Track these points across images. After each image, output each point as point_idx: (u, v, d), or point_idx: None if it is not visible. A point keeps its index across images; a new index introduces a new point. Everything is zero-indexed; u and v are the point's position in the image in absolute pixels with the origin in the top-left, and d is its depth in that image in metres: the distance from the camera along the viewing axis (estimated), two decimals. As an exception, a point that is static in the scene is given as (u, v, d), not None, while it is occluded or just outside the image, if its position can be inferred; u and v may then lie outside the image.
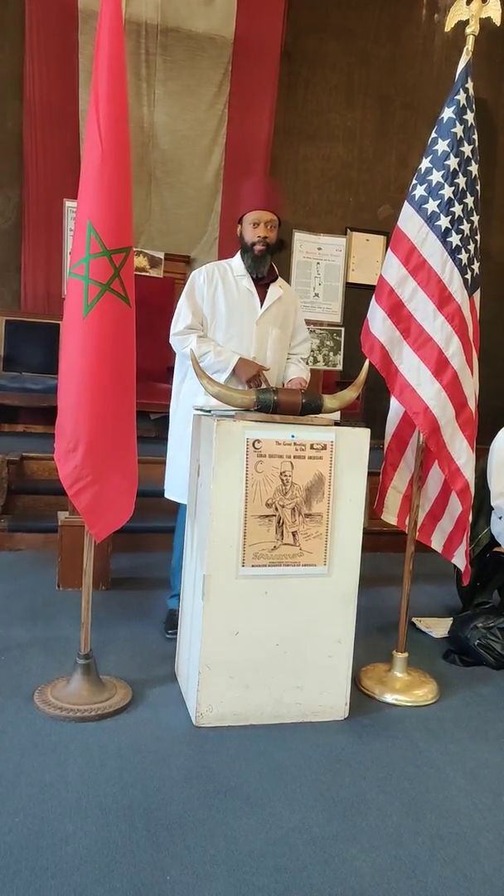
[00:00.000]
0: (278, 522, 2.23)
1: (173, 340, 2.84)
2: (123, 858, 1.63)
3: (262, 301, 2.89)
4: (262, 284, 2.90)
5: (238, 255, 2.92)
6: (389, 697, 2.53)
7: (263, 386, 2.73)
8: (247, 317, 2.86)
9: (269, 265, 2.89)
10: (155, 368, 5.25)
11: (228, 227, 6.03)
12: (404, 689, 2.56)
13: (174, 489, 2.91)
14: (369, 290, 2.67)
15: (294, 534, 2.25)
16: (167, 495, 2.96)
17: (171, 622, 2.88)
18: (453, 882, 1.64)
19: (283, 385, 2.90)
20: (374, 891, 1.60)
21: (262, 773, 2.01)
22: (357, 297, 5.52)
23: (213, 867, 1.62)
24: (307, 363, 3.09)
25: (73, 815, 1.76)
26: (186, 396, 2.88)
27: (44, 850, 1.63)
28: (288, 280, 5.29)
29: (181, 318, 2.84)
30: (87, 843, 1.67)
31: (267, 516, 2.22)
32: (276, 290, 2.93)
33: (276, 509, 2.22)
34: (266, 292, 2.90)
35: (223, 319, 2.85)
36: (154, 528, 3.92)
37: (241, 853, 1.68)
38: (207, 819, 1.79)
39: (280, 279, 2.99)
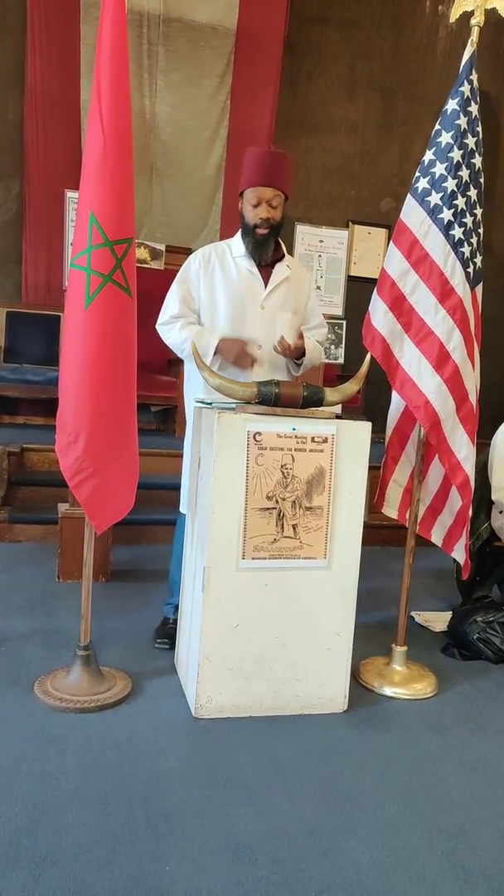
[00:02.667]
0: (279, 515, 2.23)
1: (159, 330, 2.63)
2: (122, 848, 1.64)
3: (266, 282, 2.62)
4: (265, 264, 2.63)
5: (239, 233, 2.64)
6: (388, 691, 2.53)
7: (257, 364, 2.55)
8: (249, 301, 2.59)
9: (273, 247, 2.61)
10: (155, 360, 5.25)
11: (230, 218, 6.01)
12: (403, 682, 2.57)
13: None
14: (371, 283, 2.66)
15: (294, 527, 2.25)
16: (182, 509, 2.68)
17: (163, 631, 2.77)
18: (451, 874, 1.65)
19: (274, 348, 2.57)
20: (371, 882, 1.60)
21: (260, 764, 2.02)
22: (359, 290, 5.51)
23: (212, 857, 1.63)
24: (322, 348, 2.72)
25: (72, 805, 1.77)
26: (190, 392, 2.69)
27: (43, 840, 1.64)
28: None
29: (167, 307, 2.61)
30: (87, 832, 1.68)
31: (267, 509, 2.22)
32: (282, 269, 2.65)
33: (277, 502, 2.22)
34: (271, 272, 2.63)
35: (224, 305, 2.59)
36: (154, 520, 3.92)
37: (240, 844, 1.68)
38: (206, 810, 1.80)
39: (288, 257, 2.70)
